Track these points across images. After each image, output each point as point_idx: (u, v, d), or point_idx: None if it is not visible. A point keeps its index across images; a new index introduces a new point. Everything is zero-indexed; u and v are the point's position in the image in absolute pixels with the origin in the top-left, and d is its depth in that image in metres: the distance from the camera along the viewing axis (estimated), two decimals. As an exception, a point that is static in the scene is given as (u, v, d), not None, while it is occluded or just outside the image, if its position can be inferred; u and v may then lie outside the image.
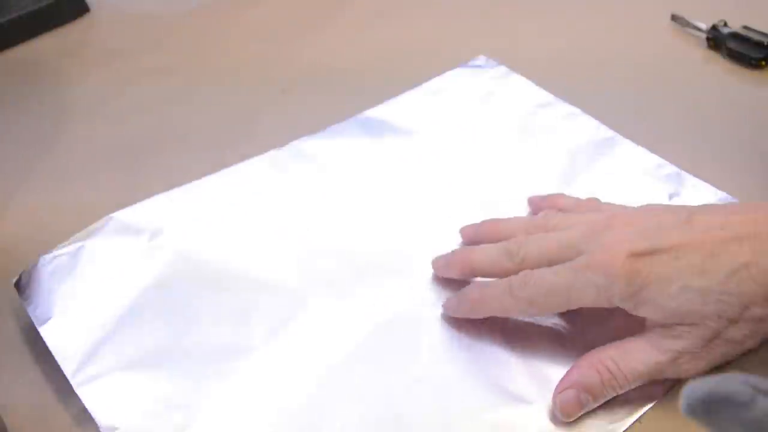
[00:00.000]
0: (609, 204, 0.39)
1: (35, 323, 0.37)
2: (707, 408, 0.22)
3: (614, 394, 0.33)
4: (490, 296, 0.35)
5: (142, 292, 0.38)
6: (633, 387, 0.33)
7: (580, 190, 0.42)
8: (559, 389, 0.33)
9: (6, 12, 0.58)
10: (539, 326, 0.36)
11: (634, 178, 0.43)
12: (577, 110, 0.47)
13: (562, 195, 0.41)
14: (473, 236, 0.39)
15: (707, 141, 0.44)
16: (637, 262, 0.31)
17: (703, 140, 0.44)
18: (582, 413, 0.32)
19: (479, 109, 0.48)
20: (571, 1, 0.58)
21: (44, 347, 0.38)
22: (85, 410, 0.35)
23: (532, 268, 0.34)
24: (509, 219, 0.39)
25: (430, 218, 0.41)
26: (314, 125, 0.47)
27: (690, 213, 0.33)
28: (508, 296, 0.34)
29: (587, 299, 0.32)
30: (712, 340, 0.31)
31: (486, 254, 0.36)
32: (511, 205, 0.41)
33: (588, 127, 0.46)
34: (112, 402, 0.34)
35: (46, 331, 0.36)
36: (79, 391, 0.34)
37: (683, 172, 0.43)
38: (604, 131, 0.46)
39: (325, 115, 0.48)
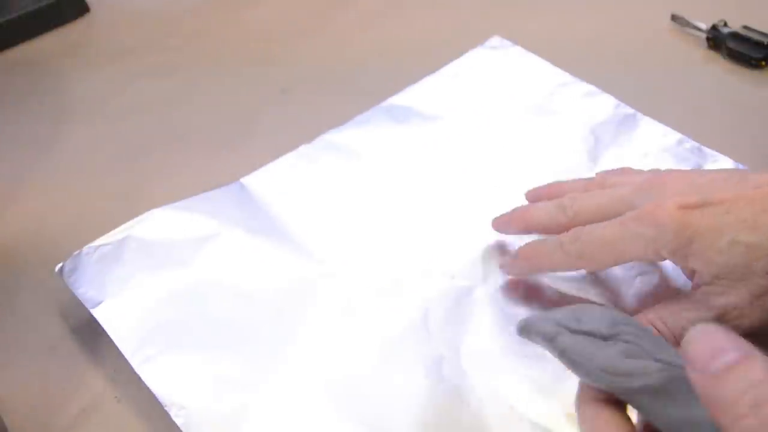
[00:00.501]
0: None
1: (87, 305, 0.37)
2: (527, 336, 0.29)
3: None
4: (542, 252, 0.36)
5: (193, 277, 0.38)
6: None
7: (607, 166, 0.43)
8: None
9: (6, 12, 0.58)
10: (587, 299, 0.37)
11: (658, 153, 0.44)
12: (595, 89, 0.48)
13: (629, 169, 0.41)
14: (536, 197, 0.40)
15: (707, 141, 0.44)
16: (686, 214, 0.31)
17: (703, 140, 0.44)
18: None
19: (500, 90, 0.49)
20: (571, 1, 0.58)
21: (44, 347, 0.38)
22: (85, 410, 0.35)
23: (584, 224, 0.34)
24: (570, 180, 0.39)
25: (468, 199, 0.42)
26: (315, 125, 0.47)
27: (744, 173, 0.33)
28: (559, 251, 0.34)
29: (636, 252, 0.32)
30: (759, 296, 0.31)
31: (542, 210, 0.37)
32: (542, 184, 0.41)
33: (607, 105, 0.47)
34: (175, 381, 0.34)
35: (98, 313, 0.36)
36: (139, 370, 0.34)
37: (704, 147, 0.44)
38: (624, 108, 0.47)
39: (326, 114, 0.48)
